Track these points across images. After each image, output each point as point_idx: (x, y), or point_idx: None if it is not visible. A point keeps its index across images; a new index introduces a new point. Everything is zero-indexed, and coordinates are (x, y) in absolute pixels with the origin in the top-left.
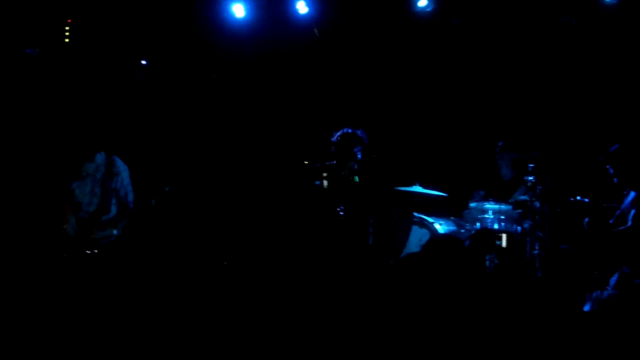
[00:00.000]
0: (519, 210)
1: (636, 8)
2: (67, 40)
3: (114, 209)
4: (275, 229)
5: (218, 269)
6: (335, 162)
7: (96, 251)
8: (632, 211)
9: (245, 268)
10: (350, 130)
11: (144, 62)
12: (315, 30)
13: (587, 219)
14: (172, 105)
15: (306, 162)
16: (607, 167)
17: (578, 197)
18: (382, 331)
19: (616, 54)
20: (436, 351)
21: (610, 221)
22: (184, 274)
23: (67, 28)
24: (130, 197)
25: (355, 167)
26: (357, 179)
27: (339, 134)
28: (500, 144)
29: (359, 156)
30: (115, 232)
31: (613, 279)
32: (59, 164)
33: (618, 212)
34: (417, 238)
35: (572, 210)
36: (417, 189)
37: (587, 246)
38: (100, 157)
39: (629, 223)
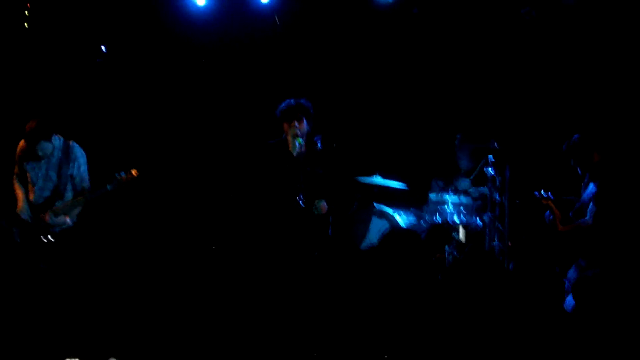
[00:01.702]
0: (479, 202)
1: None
2: (26, 24)
3: (68, 195)
4: (231, 217)
5: (173, 258)
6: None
7: (52, 239)
8: (592, 207)
9: (199, 259)
10: (293, 101)
11: (103, 48)
12: (276, 19)
13: (547, 213)
14: (130, 91)
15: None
16: (570, 158)
17: (542, 192)
18: (339, 323)
19: (576, 45)
20: (394, 343)
21: (570, 214)
22: (139, 261)
23: (26, 13)
24: (86, 184)
25: (303, 142)
26: (300, 140)
27: (282, 106)
28: (459, 135)
29: (308, 128)
30: (68, 220)
31: (570, 272)
32: (14, 147)
33: (577, 204)
34: (376, 229)
35: (533, 203)
36: (378, 179)
37: (545, 239)
38: (58, 142)
39: (587, 216)
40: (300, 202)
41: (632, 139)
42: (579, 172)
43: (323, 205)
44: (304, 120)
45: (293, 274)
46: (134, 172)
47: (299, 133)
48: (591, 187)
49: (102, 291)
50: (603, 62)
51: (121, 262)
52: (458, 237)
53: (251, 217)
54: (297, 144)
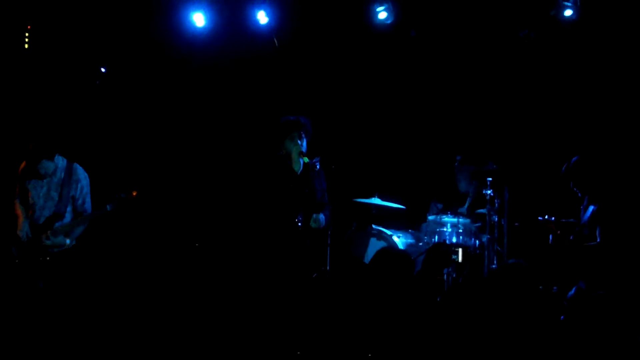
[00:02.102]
0: (478, 224)
1: (593, 23)
2: (26, 46)
3: (68, 217)
4: (230, 236)
5: (173, 279)
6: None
7: (48, 258)
8: (598, 227)
9: (197, 284)
10: (295, 118)
11: (103, 69)
12: (275, 41)
13: (551, 236)
14: (131, 112)
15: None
16: (569, 181)
17: (546, 217)
18: (338, 344)
19: (574, 68)
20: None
21: (571, 237)
22: (139, 279)
23: (27, 34)
24: (87, 206)
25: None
26: (306, 160)
27: (284, 121)
28: (458, 157)
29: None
30: (67, 241)
31: (570, 294)
32: (16, 166)
33: (577, 227)
34: (374, 250)
35: (534, 227)
36: (376, 200)
37: (545, 261)
38: (61, 162)
39: (598, 239)
40: (299, 223)
41: (631, 161)
42: (579, 194)
43: (321, 219)
44: (304, 138)
45: (290, 293)
46: (134, 193)
47: (303, 151)
48: (591, 210)
49: (100, 310)
50: (601, 84)
51: (120, 281)
52: (457, 259)
53: (251, 235)
54: (301, 162)
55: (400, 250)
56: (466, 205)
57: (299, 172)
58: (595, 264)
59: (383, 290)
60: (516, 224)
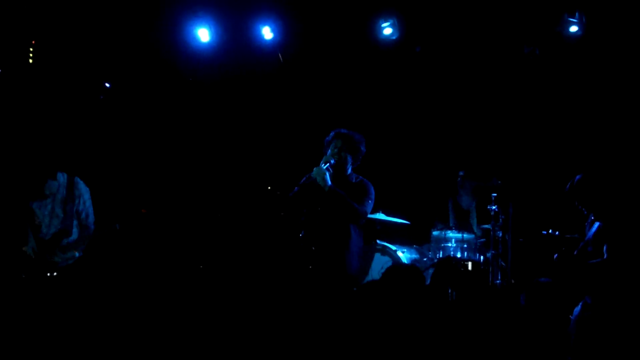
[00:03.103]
0: (482, 240)
1: (598, 40)
2: (31, 61)
3: (75, 231)
4: (240, 256)
5: (179, 295)
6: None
7: (55, 274)
8: (604, 244)
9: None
10: (344, 131)
11: (107, 84)
12: (280, 56)
13: (556, 255)
14: (135, 128)
15: (269, 188)
16: (574, 199)
17: (550, 231)
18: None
19: (579, 84)
20: None
21: (575, 252)
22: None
23: (31, 49)
24: (91, 219)
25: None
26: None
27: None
28: (461, 173)
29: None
30: (77, 254)
31: (577, 309)
32: (21, 184)
33: (582, 243)
34: (379, 265)
35: (539, 242)
36: (380, 216)
37: (552, 277)
38: (62, 178)
39: (605, 256)
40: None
41: (637, 178)
42: (584, 212)
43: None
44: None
45: (294, 308)
46: (143, 211)
47: (331, 160)
48: (596, 227)
49: (105, 320)
50: (606, 100)
51: (125, 292)
52: (465, 272)
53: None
54: (322, 168)
55: (409, 264)
56: (474, 223)
57: (319, 180)
58: (601, 281)
59: (396, 303)
60: (520, 239)
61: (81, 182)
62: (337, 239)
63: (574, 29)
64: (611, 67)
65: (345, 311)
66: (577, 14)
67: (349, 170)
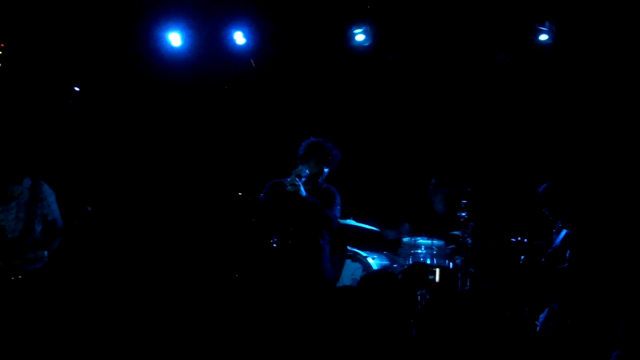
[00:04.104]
0: (452, 246)
1: (569, 47)
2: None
3: (37, 228)
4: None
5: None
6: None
7: (20, 277)
8: (568, 251)
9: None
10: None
11: (76, 88)
12: (252, 62)
13: (523, 257)
14: (104, 131)
15: (240, 194)
16: (541, 206)
17: (519, 238)
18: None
19: (549, 92)
20: None
21: (542, 259)
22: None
23: None
24: (59, 223)
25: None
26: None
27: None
28: (433, 180)
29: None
30: (46, 253)
31: (542, 316)
32: None
33: (550, 250)
34: (350, 272)
35: (506, 248)
36: (351, 222)
37: (517, 283)
38: (27, 182)
39: (567, 263)
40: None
41: (605, 185)
42: (550, 218)
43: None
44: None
45: (262, 314)
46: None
47: (306, 171)
48: (563, 234)
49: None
50: (575, 108)
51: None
52: (433, 279)
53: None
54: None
55: (383, 270)
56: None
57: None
58: (565, 287)
59: (373, 310)
60: (489, 245)
61: (45, 185)
62: (311, 247)
63: (544, 37)
64: (581, 75)
65: (323, 317)
66: (547, 22)
67: (321, 180)
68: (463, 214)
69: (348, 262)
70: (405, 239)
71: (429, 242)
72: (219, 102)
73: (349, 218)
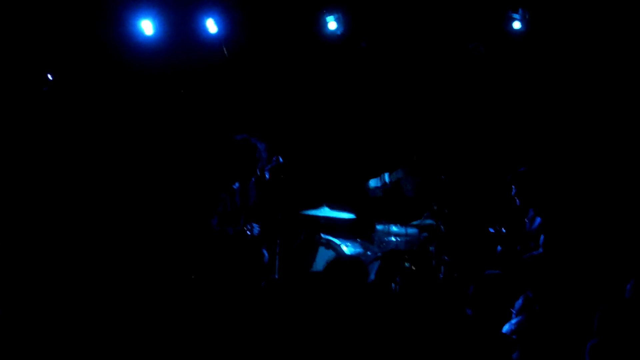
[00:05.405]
0: (425, 234)
1: (542, 36)
2: None
3: None
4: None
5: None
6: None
7: None
8: (542, 237)
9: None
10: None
11: (50, 76)
12: (225, 50)
13: (499, 247)
14: (78, 119)
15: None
16: (512, 186)
17: (497, 227)
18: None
19: (523, 81)
20: None
21: (517, 247)
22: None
23: None
24: None
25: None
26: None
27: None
28: (405, 168)
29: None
30: None
31: (518, 303)
32: None
33: (524, 238)
34: (323, 259)
35: (482, 237)
36: (325, 210)
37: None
38: None
39: (541, 249)
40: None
41: (576, 173)
42: (518, 202)
43: None
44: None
45: (236, 303)
46: None
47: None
48: (537, 222)
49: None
50: (548, 96)
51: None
52: (409, 266)
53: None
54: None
55: (352, 256)
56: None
57: None
58: (539, 273)
59: (337, 297)
60: (463, 234)
61: None
62: None
63: (517, 25)
64: (555, 63)
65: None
66: (520, 10)
67: None
68: (436, 201)
69: (322, 249)
70: (379, 227)
71: (402, 230)
72: (191, 91)
73: (322, 205)
